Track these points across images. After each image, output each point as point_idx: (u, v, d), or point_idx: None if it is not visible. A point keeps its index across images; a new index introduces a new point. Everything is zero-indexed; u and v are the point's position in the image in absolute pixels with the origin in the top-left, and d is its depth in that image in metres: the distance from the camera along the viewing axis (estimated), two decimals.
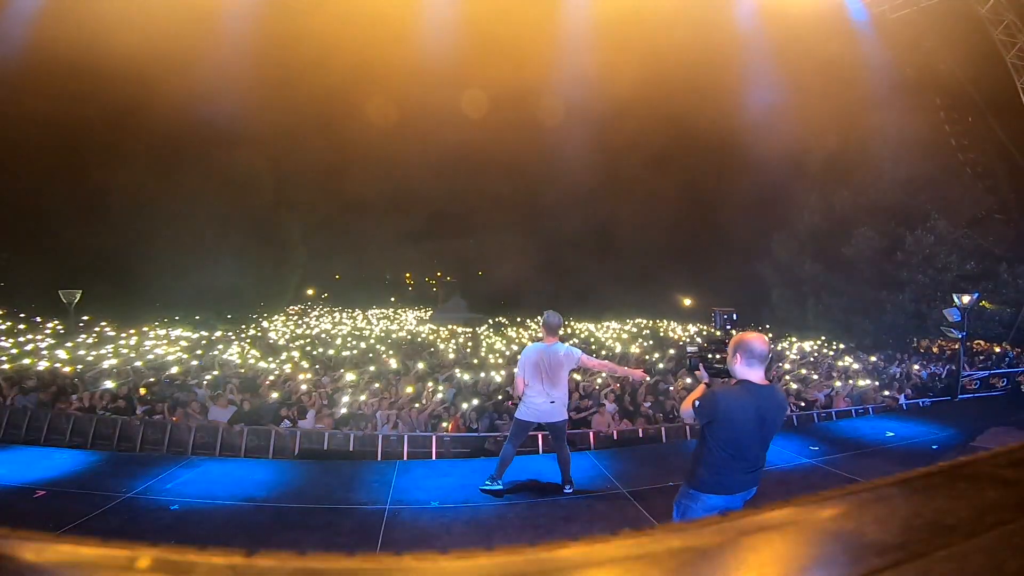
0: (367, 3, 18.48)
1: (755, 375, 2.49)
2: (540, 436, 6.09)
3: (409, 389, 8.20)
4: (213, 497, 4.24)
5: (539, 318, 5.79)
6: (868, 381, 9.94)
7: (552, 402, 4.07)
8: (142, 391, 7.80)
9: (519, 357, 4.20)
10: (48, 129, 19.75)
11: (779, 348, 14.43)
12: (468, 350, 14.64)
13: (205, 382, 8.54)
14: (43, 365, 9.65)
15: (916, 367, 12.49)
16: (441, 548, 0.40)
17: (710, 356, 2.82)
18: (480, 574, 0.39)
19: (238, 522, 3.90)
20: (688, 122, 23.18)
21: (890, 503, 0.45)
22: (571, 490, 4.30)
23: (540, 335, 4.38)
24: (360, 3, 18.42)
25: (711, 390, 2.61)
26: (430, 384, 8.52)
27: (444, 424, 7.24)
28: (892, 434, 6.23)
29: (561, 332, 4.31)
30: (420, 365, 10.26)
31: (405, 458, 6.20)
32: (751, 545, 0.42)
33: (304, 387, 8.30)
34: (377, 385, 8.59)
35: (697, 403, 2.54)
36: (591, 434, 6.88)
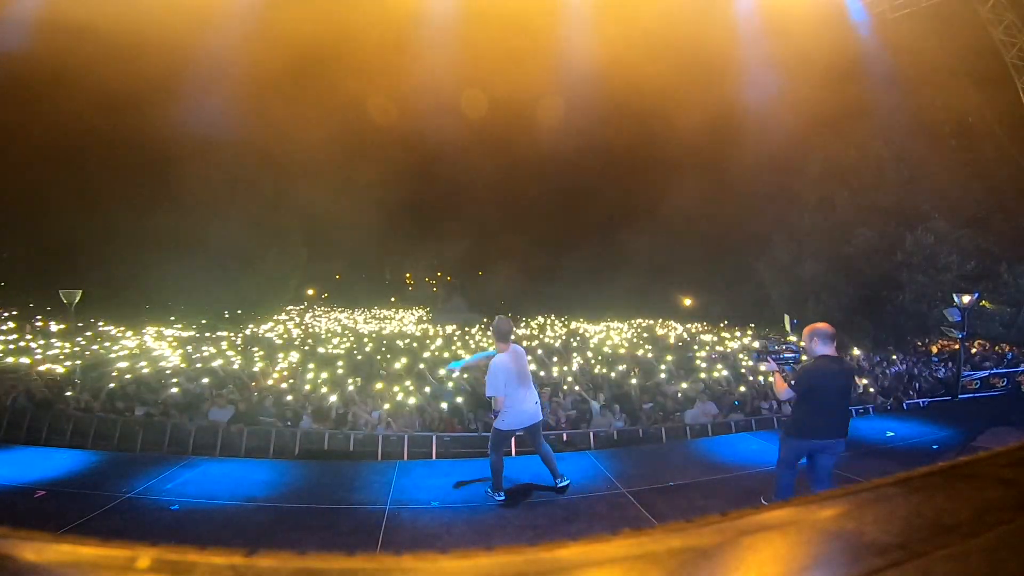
0: (367, 2, 18.49)
1: (830, 350, 3.49)
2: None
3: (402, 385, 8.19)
4: (213, 497, 4.24)
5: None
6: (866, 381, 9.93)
7: (536, 403, 4.22)
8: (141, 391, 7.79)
9: (488, 377, 4.05)
10: (48, 129, 19.77)
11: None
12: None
13: (207, 385, 8.53)
14: (44, 366, 9.65)
15: (915, 369, 12.46)
16: (441, 548, 0.41)
17: (775, 350, 3.95)
18: (480, 574, 0.39)
19: (238, 522, 3.90)
20: (688, 122, 23.18)
21: (890, 503, 0.45)
22: (564, 482, 4.22)
23: (494, 344, 4.19)
24: (360, 2, 18.42)
25: (804, 368, 3.59)
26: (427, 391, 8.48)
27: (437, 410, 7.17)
28: (892, 434, 6.21)
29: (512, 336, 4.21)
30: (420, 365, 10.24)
31: (405, 458, 6.19)
32: (751, 545, 0.42)
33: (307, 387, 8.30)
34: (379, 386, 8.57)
35: (794, 381, 3.57)
36: (591, 434, 6.87)
